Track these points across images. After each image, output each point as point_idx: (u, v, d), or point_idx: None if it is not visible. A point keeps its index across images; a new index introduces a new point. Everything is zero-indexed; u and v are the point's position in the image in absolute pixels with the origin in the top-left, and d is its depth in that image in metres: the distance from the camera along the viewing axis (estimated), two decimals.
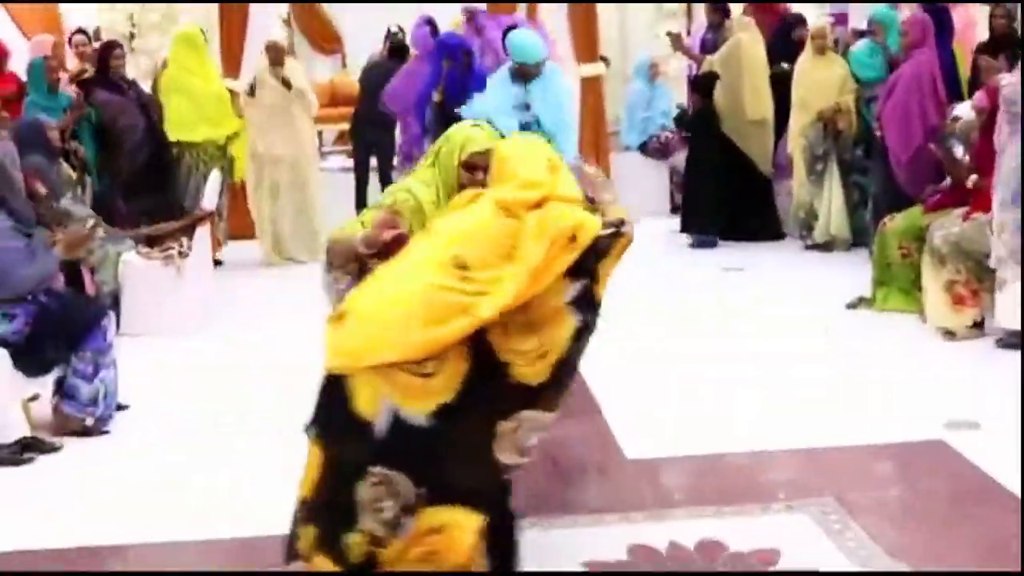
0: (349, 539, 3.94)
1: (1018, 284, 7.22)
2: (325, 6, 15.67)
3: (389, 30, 12.81)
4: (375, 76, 12.03)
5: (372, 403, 3.92)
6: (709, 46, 12.07)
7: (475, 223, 4.15)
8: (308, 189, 11.36)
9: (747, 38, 11.42)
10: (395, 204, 4.78)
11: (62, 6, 13.01)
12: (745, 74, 11.26)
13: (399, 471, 3.91)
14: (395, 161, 11.77)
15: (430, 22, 11.26)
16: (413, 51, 11.51)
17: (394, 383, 3.90)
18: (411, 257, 4.16)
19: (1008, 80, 7.30)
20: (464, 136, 4.86)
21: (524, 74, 8.55)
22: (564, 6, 13.13)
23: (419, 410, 3.90)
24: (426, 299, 3.94)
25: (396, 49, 12.35)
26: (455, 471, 3.97)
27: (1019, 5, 7.39)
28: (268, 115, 11.21)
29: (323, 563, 4.01)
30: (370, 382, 3.92)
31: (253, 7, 12.50)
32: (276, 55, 11.26)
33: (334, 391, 3.99)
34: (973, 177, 7.85)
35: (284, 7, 13.49)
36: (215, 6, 12.70)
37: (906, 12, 10.49)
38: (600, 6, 13.32)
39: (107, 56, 10.37)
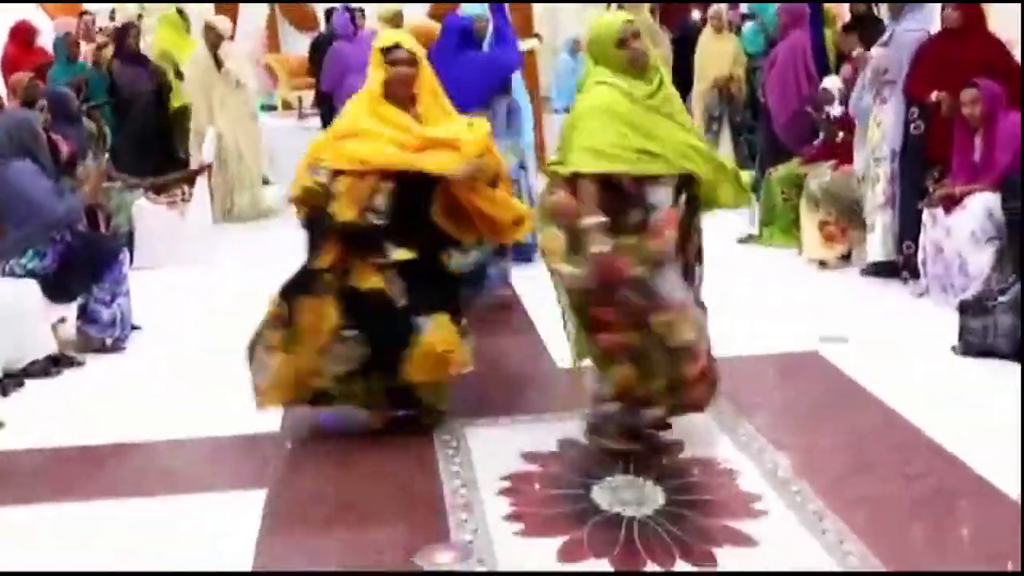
0: None
1: (886, 226, 7.27)
2: None
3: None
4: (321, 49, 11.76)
5: None
6: None
7: None
8: (246, 161, 10.50)
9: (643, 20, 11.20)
10: None
11: None
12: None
13: None
14: None
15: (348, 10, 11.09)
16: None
17: None
18: None
19: (876, 52, 7.27)
20: (604, 21, 4.60)
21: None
22: None
23: None
24: None
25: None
26: None
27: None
28: (202, 95, 10.28)
29: None
30: None
31: None
32: (213, 38, 10.33)
33: None
34: (841, 133, 7.92)
35: None
36: None
37: None
38: None
39: (124, 35, 10.27)
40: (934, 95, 6.73)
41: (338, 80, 10.32)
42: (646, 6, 11.38)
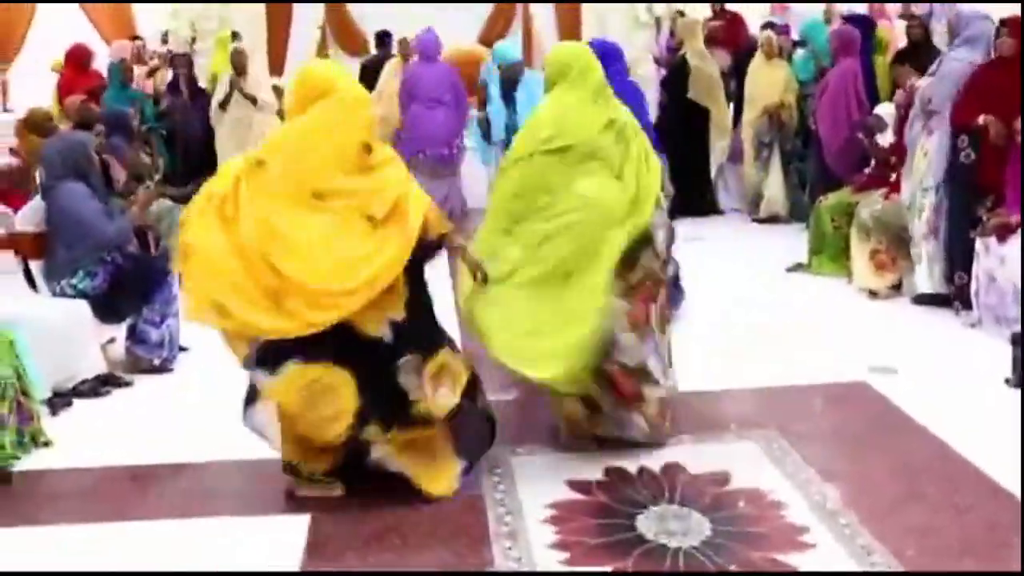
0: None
1: (931, 256, 7.23)
2: (353, 14, 15.57)
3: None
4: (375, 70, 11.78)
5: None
6: (674, 49, 11.93)
7: None
8: None
9: (697, 50, 11.16)
10: None
11: (135, 10, 12.99)
12: (701, 82, 11.03)
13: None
14: None
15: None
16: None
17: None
18: None
19: (923, 81, 7.28)
20: None
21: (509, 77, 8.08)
22: (553, 17, 13.10)
23: None
24: None
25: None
26: None
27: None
28: (233, 127, 10.17)
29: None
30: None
31: (295, 14, 12.44)
32: (240, 63, 10.25)
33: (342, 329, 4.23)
34: (893, 160, 7.87)
35: (319, 15, 13.34)
36: (263, 13, 12.58)
37: (836, 24, 10.42)
38: (583, 18, 13.29)
39: (183, 62, 10.40)
40: (981, 118, 6.69)
41: (405, 105, 10.35)
42: (699, 32, 11.37)
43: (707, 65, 10.89)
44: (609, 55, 6.35)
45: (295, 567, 4.03)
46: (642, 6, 13.12)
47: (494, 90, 8.39)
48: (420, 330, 4.43)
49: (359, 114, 4.39)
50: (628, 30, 13.24)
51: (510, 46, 8.39)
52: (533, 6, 13.61)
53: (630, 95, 6.33)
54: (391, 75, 11.02)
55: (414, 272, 4.43)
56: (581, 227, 4.66)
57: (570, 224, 4.67)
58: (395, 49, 11.64)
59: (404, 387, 4.36)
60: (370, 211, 4.26)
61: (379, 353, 4.33)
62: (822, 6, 12.05)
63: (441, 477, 4.54)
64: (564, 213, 4.70)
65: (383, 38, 12.11)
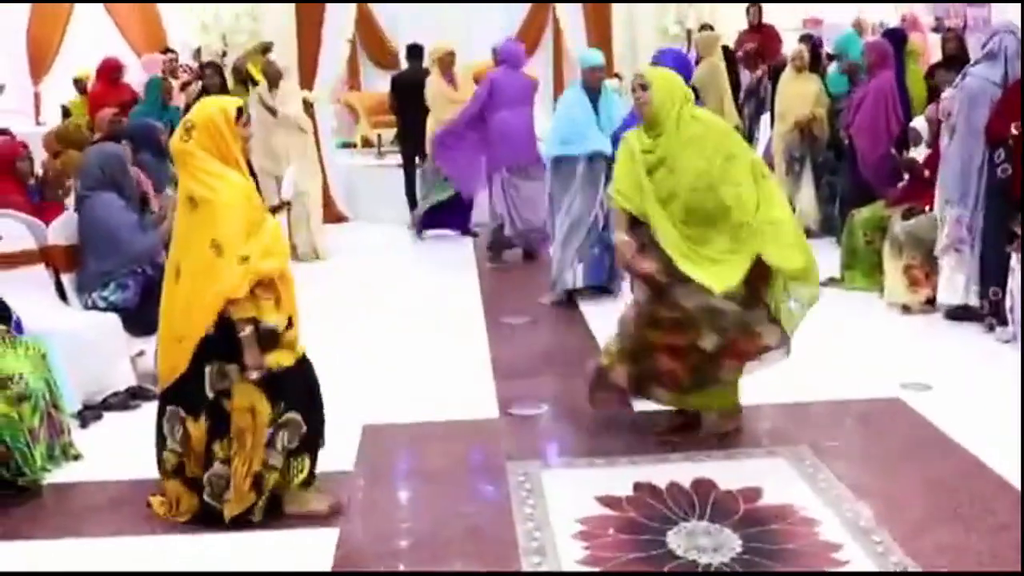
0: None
1: (953, 269, 7.22)
2: (384, 28, 15.65)
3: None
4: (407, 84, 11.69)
5: None
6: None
7: None
8: (306, 204, 10.29)
9: (711, 63, 11.16)
10: None
11: (166, 24, 13.08)
12: (712, 93, 11.00)
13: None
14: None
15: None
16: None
17: None
18: None
19: (947, 93, 7.27)
20: None
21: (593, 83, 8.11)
22: (583, 29, 13.10)
23: None
24: None
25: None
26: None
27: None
28: (256, 135, 10.07)
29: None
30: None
31: (324, 29, 12.47)
32: (274, 75, 10.22)
33: None
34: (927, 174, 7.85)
35: (349, 29, 13.37)
36: (293, 27, 12.60)
37: (869, 36, 10.40)
38: (612, 31, 13.29)
39: (214, 74, 10.42)
40: (1013, 127, 6.65)
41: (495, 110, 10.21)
42: (718, 47, 11.38)
43: (715, 79, 10.86)
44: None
45: None
46: (671, 18, 13.12)
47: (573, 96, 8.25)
48: (188, 390, 4.59)
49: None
50: (657, 43, 13.24)
51: (596, 51, 8.40)
52: (562, 17, 13.61)
53: None
54: (437, 89, 10.91)
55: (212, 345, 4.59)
56: None
57: None
58: (427, 62, 11.58)
59: (164, 432, 4.66)
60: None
61: (166, 396, 4.71)
62: (854, 19, 12.03)
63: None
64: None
65: (413, 51, 12.10)
